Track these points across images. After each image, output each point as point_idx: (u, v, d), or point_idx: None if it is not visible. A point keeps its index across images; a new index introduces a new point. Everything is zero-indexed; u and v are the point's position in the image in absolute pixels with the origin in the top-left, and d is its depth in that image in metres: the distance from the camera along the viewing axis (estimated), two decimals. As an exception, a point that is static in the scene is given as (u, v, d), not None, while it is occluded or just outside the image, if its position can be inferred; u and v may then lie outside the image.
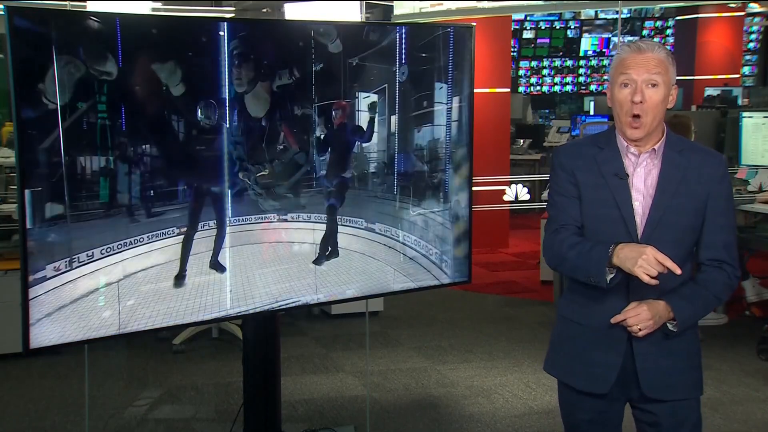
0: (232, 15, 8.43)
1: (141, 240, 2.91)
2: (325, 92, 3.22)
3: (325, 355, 5.27)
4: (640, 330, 2.27)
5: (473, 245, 3.69)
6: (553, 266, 2.49)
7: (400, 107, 3.39)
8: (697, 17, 12.70)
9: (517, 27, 13.88)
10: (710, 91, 11.10)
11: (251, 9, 8.27)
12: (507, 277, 7.43)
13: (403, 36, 3.36)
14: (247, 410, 3.47)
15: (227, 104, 3.01)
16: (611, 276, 2.26)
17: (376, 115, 3.35)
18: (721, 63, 12.68)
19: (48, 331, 2.75)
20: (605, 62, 14.50)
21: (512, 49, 12.39)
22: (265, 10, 7.83)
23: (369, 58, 3.30)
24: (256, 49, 3.08)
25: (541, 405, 4.41)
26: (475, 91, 3.62)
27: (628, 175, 2.34)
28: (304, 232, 3.26)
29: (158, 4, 7.68)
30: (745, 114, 5.93)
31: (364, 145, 3.36)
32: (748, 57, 14.62)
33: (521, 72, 14.47)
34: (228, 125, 3.03)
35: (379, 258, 3.43)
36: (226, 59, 2.98)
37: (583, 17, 14.38)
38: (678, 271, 2.18)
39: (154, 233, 2.94)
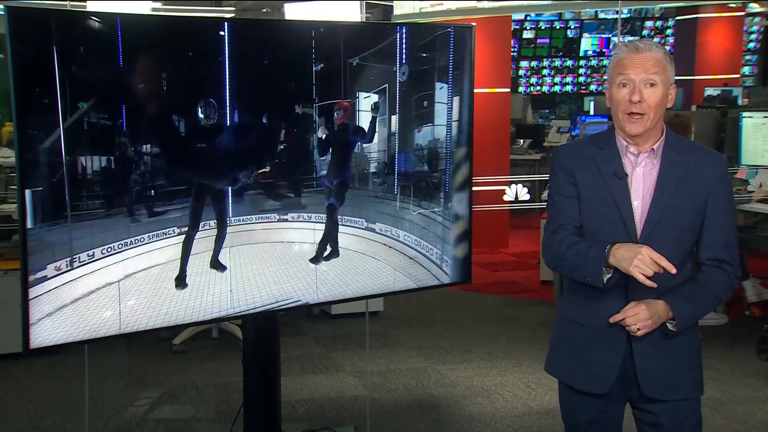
0: (232, 15, 8.43)
1: (142, 240, 2.91)
2: (325, 92, 3.22)
3: (325, 355, 5.27)
4: (638, 329, 2.28)
5: (473, 245, 3.69)
6: (552, 266, 2.50)
7: (401, 107, 3.39)
8: (697, 17, 12.70)
9: (517, 27, 13.88)
10: (710, 91, 11.10)
11: (251, 9, 8.28)
12: (507, 277, 7.44)
13: (404, 36, 3.36)
14: (247, 410, 3.47)
15: (227, 104, 3.01)
16: (608, 276, 2.26)
17: (377, 116, 3.35)
18: (721, 63, 12.68)
19: (48, 331, 2.74)
20: (605, 62, 14.50)
21: (512, 49, 12.38)
22: (265, 10, 7.84)
23: (369, 58, 3.30)
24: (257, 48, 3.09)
25: (541, 405, 4.41)
26: (475, 91, 3.62)
27: (627, 175, 2.34)
28: (305, 232, 3.26)
29: (158, 4, 7.68)
30: (745, 114, 5.93)
31: (364, 145, 3.36)
32: (748, 57, 14.62)
33: (521, 72, 14.47)
34: (228, 125, 3.03)
35: (380, 258, 3.43)
36: (227, 59, 2.98)
37: (584, 17, 14.38)
38: (673, 270, 2.18)
39: (155, 233, 2.94)
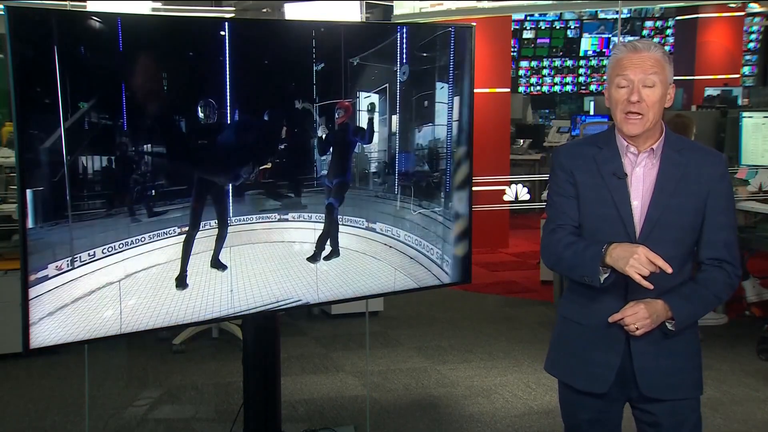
0: (232, 15, 8.44)
1: (142, 240, 2.91)
2: (326, 92, 3.22)
3: (325, 355, 5.27)
4: (637, 329, 2.28)
5: (473, 245, 3.69)
6: (550, 266, 2.50)
7: (401, 107, 3.39)
8: (697, 17, 12.70)
9: (517, 27, 13.88)
10: (710, 91, 11.10)
11: (251, 9, 8.29)
12: (507, 277, 7.44)
13: (404, 36, 3.36)
14: (247, 410, 3.47)
15: (228, 104, 3.01)
16: (605, 276, 2.26)
17: (377, 115, 3.35)
18: (721, 63, 12.68)
19: (48, 331, 2.75)
20: (605, 62, 14.49)
21: (512, 49, 12.39)
22: (265, 10, 7.85)
23: (370, 58, 3.30)
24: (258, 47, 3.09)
25: (541, 405, 4.41)
26: (475, 91, 3.62)
27: (626, 175, 2.34)
28: (305, 232, 3.26)
29: (158, 4, 7.68)
30: (745, 114, 5.93)
31: (364, 145, 3.36)
32: (748, 57, 14.62)
33: (521, 72, 14.48)
34: (229, 124, 3.03)
35: (380, 258, 3.44)
36: (227, 59, 2.98)
37: (584, 17, 14.39)
38: (669, 270, 2.18)
39: (156, 233, 2.94)
